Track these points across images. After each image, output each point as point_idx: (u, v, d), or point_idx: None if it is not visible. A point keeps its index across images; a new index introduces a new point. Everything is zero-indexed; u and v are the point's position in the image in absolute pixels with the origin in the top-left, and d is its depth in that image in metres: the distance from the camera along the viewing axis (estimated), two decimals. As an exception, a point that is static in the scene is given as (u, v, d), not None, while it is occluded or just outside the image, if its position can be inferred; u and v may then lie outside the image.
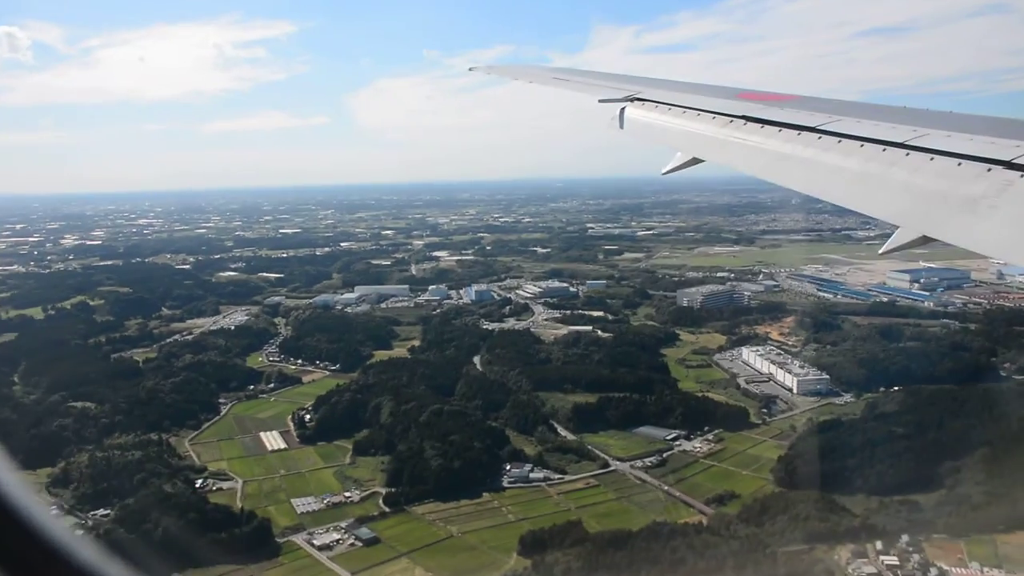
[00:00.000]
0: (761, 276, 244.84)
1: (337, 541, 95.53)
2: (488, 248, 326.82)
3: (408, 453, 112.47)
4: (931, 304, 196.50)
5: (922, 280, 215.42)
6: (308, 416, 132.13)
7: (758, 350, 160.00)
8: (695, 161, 14.78)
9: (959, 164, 9.12)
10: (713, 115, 14.60)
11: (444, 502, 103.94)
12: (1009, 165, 8.52)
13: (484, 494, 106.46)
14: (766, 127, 13.03)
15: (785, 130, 12.56)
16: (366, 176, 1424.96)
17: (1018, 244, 7.92)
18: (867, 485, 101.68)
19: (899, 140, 10.33)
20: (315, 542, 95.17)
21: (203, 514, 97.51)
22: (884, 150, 10.40)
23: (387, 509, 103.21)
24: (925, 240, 9.33)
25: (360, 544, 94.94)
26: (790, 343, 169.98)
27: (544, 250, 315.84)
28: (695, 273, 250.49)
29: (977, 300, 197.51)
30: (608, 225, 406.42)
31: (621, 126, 17.18)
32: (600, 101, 18.04)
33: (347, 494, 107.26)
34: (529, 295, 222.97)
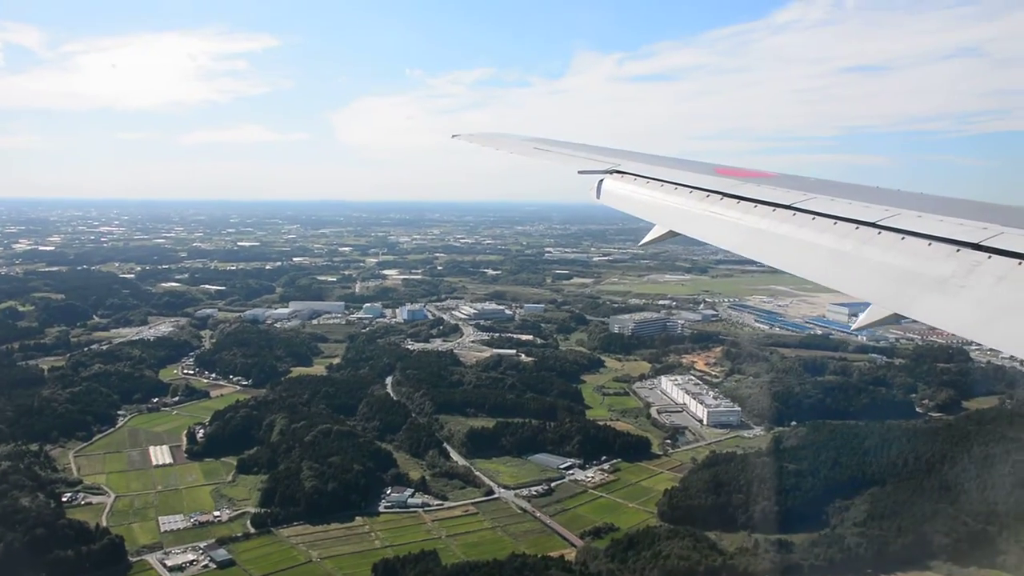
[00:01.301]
0: (702, 305, 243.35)
1: (191, 562, 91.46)
2: (439, 268, 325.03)
3: (284, 473, 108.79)
4: (864, 338, 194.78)
5: (860, 314, 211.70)
6: (201, 432, 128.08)
7: (676, 380, 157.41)
8: (672, 234, 14.83)
9: (929, 244, 9.33)
10: (690, 189, 14.78)
11: (314, 525, 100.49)
12: (977, 247, 8.76)
13: (357, 518, 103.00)
14: (742, 203, 13.16)
15: (761, 206, 12.69)
16: (344, 193, 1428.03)
17: (986, 324, 8.04)
18: (750, 522, 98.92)
19: (872, 219, 10.49)
20: (168, 563, 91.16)
21: (54, 530, 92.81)
22: (857, 228, 10.54)
23: (253, 530, 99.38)
24: (897, 317, 9.41)
25: (213, 566, 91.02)
26: (714, 373, 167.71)
27: (494, 272, 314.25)
28: (638, 300, 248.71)
29: (911, 335, 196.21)
30: (567, 250, 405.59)
31: (598, 196, 17.51)
32: (579, 172, 18.32)
33: (216, 513, 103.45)
34: (464, 316, 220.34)
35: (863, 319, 10.14)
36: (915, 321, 10.55)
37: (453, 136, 28.86)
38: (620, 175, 17.40)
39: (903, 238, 9.79)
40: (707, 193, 14.25)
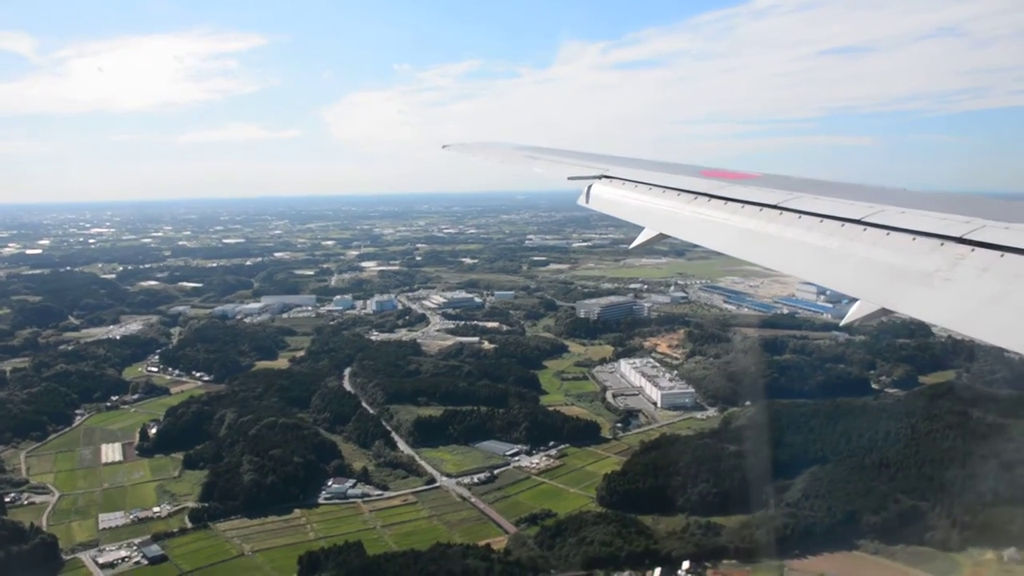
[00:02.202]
0: (673, 288, 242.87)
1: (123, 559, 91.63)
2: (418, 259, 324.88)
3: (224, 468, 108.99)
4: (829, 316, 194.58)
5: (828, 292, 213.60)
6: (153, 429, 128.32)
7: (634, 363, 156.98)
8: (661, 237, 14.97)
9: (913, 239, 9.43)
10: (678, 192, 14.99)
11: (251, 518, 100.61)
12: (961, 240, 8.87)
13: (296, 510, 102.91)
14: (729, 204, 13.33)
15: (748, 207, 12.84)
16: (337, 188, 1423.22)
17: (972, 315, 8.09)
18: (688, 505, 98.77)
19: (856, 216, 10.62)
20: (100, 560, 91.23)
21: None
22: (843, 226, 10.68)
23: (190, 525, 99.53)
24: (884, 312, 9.36)
25: (145, 562, 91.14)
26: (675, 355, 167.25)
27: (472, 261, 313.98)
28: (610, 284, 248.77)
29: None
30: (548, 237, 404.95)
31: (587, 202, 17.73)
32: (569, 179, 18.71)
33: (156, 509, 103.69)
34: (434, 305, 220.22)
35: (851, 314, 10.01)
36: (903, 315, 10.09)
37: (443, 147, 29.24)
38: (608, 180, 17.65)
39: (888, 234, 9.91)
40: (694, 195, 14.42)
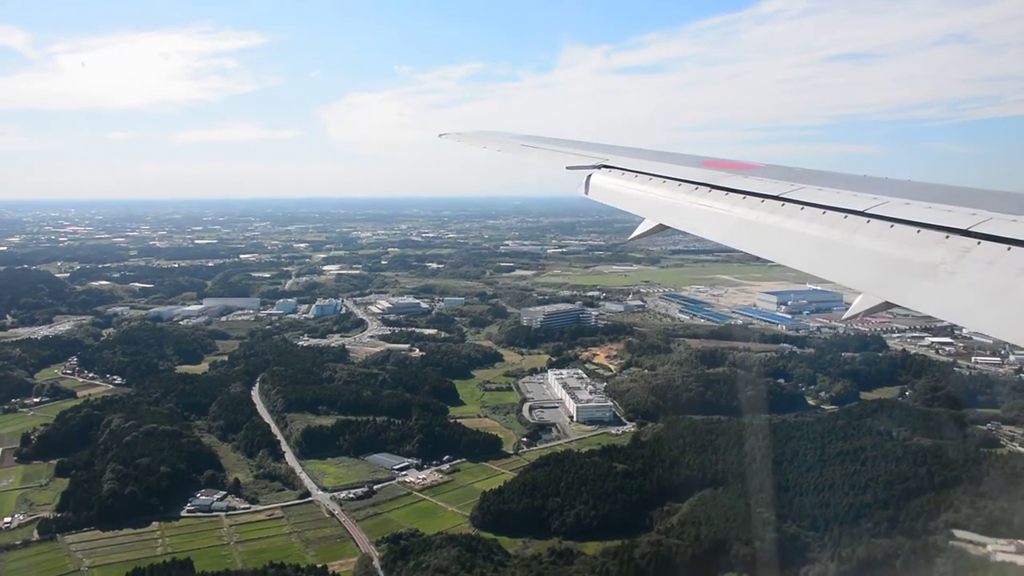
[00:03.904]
0: (631, 296, 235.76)
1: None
2: (383, 263, 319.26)
3: (85, 476, 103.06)
4: (784, 327, 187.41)
5: (789, 302, 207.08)
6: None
7: (560, 374, 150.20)
8: (661, 228, 14.69)
9: (918, 232, 9.26)
10: (678, 183, 14.64)
11: (104, 531, 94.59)
12: (966, 233, 8.73)
13: (154, 523, 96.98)
14: (731, 194, 13.00)
15: (749, 197, 12.53)
16: (334, 191, 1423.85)
17: (977, 309, 8.01)
18: (563, 527, 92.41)
19: (860, 208, 10.40)
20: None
21: None
22: (846, 217, 10.45)
23: (36, 537, 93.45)
24: (888, 305, 9.23)
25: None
26: (612, 366, 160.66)
27: (437, 265, 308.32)
28: (569, 292, 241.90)
29: (835, 324, 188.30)
30: (526, 243, 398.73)
31: (587, 192, 17.32)
32: (568, 168, 18.15)
33: (8, 520, 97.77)
34: (378, 311, 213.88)
35: (854, 308, 9.65)
36: (846, 305, 9.53)
37: (440, 135, 28.64)
38: (608, 170, 17.23)
39: (892, 226, 9.64)
40: (695, 186, 14.10)
